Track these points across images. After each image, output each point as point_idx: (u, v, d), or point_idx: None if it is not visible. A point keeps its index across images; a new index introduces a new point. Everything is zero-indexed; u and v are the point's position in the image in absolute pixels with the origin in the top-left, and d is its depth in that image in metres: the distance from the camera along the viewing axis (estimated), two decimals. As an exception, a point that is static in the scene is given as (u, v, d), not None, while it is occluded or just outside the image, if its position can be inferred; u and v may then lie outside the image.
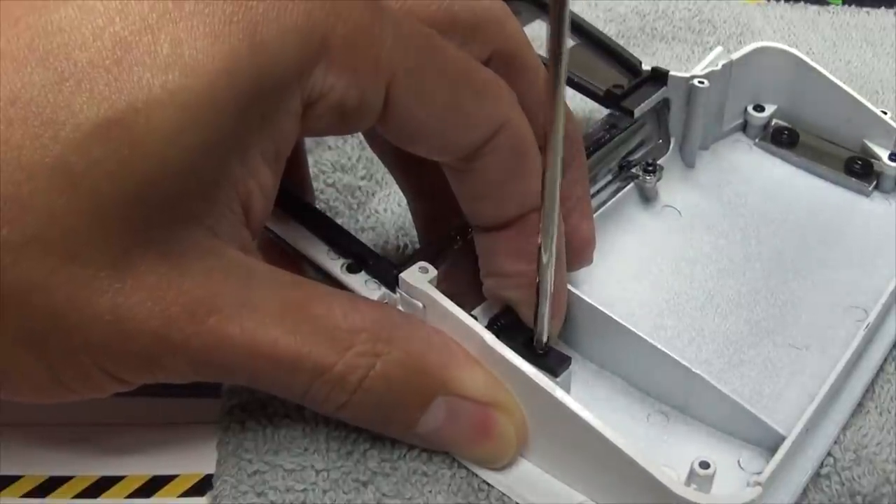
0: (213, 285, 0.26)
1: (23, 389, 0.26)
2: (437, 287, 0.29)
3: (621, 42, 0.50)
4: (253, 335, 0.26)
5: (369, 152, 0.41)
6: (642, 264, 0.38)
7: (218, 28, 0.24)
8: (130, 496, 0.30)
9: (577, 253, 0.33)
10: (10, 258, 0.23)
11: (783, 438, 0.29)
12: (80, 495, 0.30)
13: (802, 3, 0.57)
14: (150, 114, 0.23)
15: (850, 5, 0.57)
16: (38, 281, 0.23)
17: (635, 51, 0.46)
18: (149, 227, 0.24)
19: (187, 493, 0.30)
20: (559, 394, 0.27)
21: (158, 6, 0.24)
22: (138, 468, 0.31)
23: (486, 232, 0.31)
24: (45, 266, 0.23)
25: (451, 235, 0.33)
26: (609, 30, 0.52)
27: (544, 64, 0.32)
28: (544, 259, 0.27)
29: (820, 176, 0.42)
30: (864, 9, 0.56)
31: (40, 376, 0.25)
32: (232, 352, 0.26)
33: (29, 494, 0.30)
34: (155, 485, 0.30)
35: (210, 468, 0.30)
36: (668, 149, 0.41)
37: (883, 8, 0.56)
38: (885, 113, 0.41)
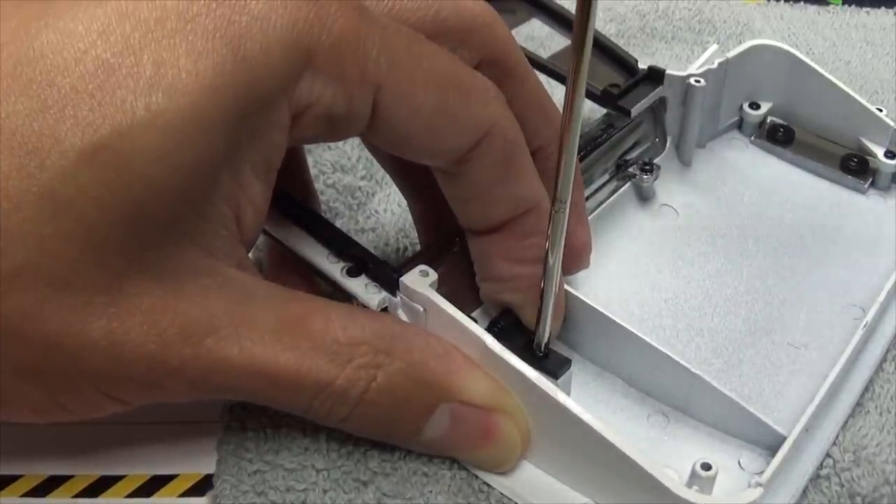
0: (209, 305, 0.25)
1: (22, 412, 0.26)
2: (437, 290, 0.29)
3: (621, 42, 0.50)
4: (251, 354, 0.26)
5: (369, 152, 0.41)
6: (640, 264, 0.38)
7: (201, 45, 0.23)
8: (130, 496, 0.30)
9: (574, 257, 0.33)
10: (2, 289, 0.23)
11: (784, 438, 0.29)
12: (80, 495, 0.30)
13: (802, 3, 0.57)
14: (135, 137, 0.23)
15: (850, 5, 0.56)
16: (31, 310, 0.23)
17: (635, 50, 0.46)
18: (141, 250, 0.24)
19: (187, 493, 0.30)
20: (560, 396, 0.27)
21: (140, 26, 0.23)
22: (138, 468, 0.31)
23: (479, 235, 0.31)
24: (36, 295, 0.23)
25: (449, 237, 0.33)
26: (609, 29, 0.52)
27: (532, 63, 0.32)
28: (550, 262, 0.27)
29: (816, 173, 0.42)
30: (864, 9, 0.56)
31: (39, 400, 0.25)
32: (230, 372, 0.26)
33: (29, 494, 0.30)
34: (155, 485, 0.30)
35: (210, 468, 0.30)
36: (664, 148, 0.41)
37: (883, 8, 0.56)
38: (881, 110, 0.41)
